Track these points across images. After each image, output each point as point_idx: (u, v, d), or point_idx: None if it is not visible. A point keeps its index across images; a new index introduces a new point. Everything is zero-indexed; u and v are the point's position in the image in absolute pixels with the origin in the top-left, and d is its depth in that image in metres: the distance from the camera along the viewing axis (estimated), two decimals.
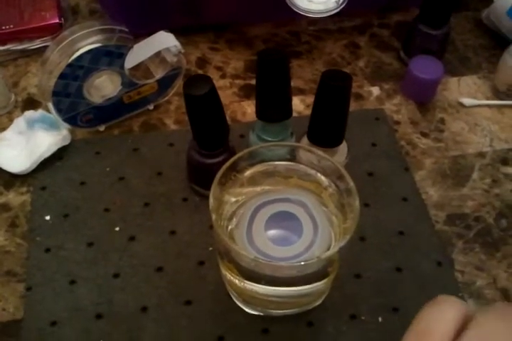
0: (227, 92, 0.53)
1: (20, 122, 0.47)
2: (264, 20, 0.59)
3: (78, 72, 0.44)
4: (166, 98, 0.51)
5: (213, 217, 0.30)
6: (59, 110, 0.45)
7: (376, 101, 0.52)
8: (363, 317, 0.38)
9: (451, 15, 0.52)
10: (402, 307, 0.38)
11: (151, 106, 0.51)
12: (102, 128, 0.49)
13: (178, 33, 0.46)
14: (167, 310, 0.37)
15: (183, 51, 0.46)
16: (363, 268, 0.40)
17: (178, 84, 0.50)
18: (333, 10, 0.47)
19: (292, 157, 0.34)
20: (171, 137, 0.49)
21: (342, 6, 0.47)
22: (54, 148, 0.46)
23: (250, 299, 0.33)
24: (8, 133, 0.47)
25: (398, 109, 0.52)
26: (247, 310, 0.37)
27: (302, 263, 0.29)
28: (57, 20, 0.56)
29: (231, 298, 0.38)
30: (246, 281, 0.32)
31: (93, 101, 0.46)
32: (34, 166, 0.46)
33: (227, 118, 0.40)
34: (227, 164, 0.32)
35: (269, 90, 0.37)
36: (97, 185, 0.45)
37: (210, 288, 0.38)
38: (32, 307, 0.38)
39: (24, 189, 0.45)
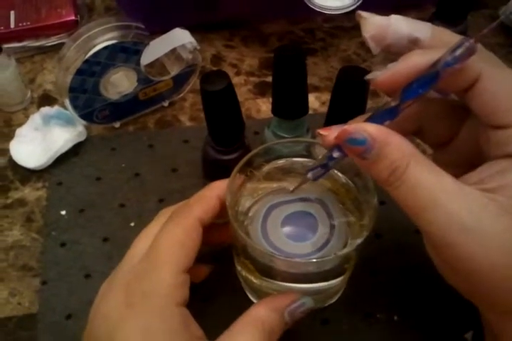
0: (241, 89, 0.53)
1: (36, 118, 0.48)
2: (279, 17, 0.59)
3: (95, 68, 0.44)
4: (181, 95, 0.51)
5: (230, 213, 0.30)
6: (75, 106, 0.46)
7: None
8: (378, 316, 0.37)
9: (469, 13, 0.51)
10: (418, 306, 0.38)
11: (166, 103, 0.51)
12: (117, 124, 0.49)
13: (193, 30, 0.46)
14: None
15: (198, 48, 0.46)
16: (379, 265, 0.40)
17: (193, 81, 0.50)
18: (350, 7, 0.47)
19: (308, 153, 0.34)
20: (185, 134, 0.49)
21: (359, 3, 0.47)
22: (70, 144, 0.46)
23: (266, 296, 0.33)
24: (24, 129, 0.48)
25: None
26: None
27: (319, 259, 0.29)
28: (73, 17, 0.56)
29: (246, 294, 0.37)
30: (262, 277, 0.32)
31: (109, 97, 0.47)
32: (50, 162, 0.46)
33: (242, 115, 0.40)
34: (244, 160, 0.32)
35: (285, 86, 0.37)
36: (113, 180, 0.45)
37: (224, 283, 0.38)
38: (47, 301, 0.39)
39: (40, 184, 0.46)
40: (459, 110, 0.29)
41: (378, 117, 0.27)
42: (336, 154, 0.28)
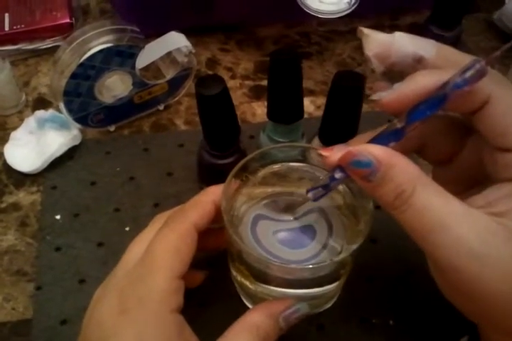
0: (237, 93, 0.53)
1: (30, 122, 0.47)
2: (274, 21, 0.59)
3: (89, 71, 0.44)
4: (177, 98, 0.51)
5: (225, 218, 0.30)
6: (70, 110, 0.45)
7: None
8: (374, 321, 0.37)
9: (463, 17, 0.51)
10: (413, 311, 0.38)
11: (161, 107, 0.51)
12: (112, 128, 0.49)
13: (188, 33, 0.46)
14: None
15: (193, 51, 0.46)
16: (375, 271, 0.40)
17: (189, 84, 0.50)
18: (345, 11, 0.47)
19: (304, 158, 0.34)
20: (181, 137, 0.48)
21: (353, 7, 0.47)
22: (64, 148, 0.46)
23: (261, 301, 0.33)
24: (18, 132, 0.47)
25: None
26: None
27: (315, 265, 0.28)
28: (68, 20, 0.56)
29: (241, 299, 0.37)
30: (257, 283, 0.32)
31: (104, 101, 0.46)
32: (44, 166, 0.46)
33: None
34: (239, 165, 0.32)
35: (281, 91, 0.37)
36: (108, 184, 0.45)
37: (220, 288, 0.38)
38: (42, 306, 0.38)
39: (34, 188, 0.45)
40: (462, 127, 0.29)
41: (383, 138, 0.26)
42: (338, 175, 0.27)
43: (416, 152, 0.31)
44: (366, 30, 0.29)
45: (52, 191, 0.45)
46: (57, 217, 0.43)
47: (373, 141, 0.26)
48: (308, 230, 0.32)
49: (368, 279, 0.39)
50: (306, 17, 0.47)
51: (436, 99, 0.24)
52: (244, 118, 0.50)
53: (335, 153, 0.26)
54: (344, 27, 0.58)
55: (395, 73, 0.29)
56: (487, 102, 0.25)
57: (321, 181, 0.29)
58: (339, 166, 0.26)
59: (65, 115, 0.46)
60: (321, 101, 0.52)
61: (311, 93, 0.53)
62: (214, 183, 0.33)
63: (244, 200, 0.33)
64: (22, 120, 0.49)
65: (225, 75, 0.54)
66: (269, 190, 0.34)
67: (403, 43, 0.28)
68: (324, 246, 0.31)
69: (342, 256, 0.29)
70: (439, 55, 0.27)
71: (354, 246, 0.29)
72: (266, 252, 0.30)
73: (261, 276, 0.31)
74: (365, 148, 0.24)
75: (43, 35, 0.56)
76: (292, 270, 0.29)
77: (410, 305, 0.38)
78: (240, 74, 0.55)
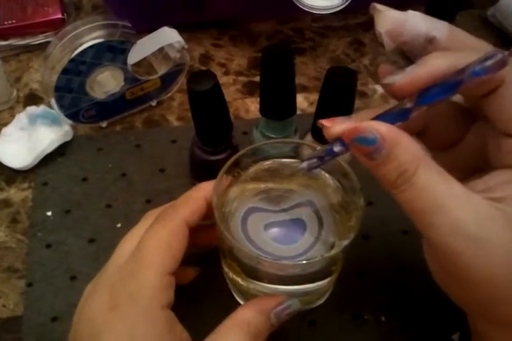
0: (230, 89, 0.53)
1: (22, 118, 0.47)
2: (268, 16, 0.59)
3: (81, 67, 0.43)
4: (169, 94, 0.51)
5: (216, 214, 0.30)
6: (61, 106, 0.45)
7: (380, 99, 0.52)
8: (365, 317, 0.37)
9: (457, 13, 0.51)
10: (405, 307, 0.38)
11: (153, 103, 0.50)
12: (104, 124, 0.49)
13: (181, 29, 0.46)
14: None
15: (186, 47, 0.46)
16: (367, 267, 0.39)
17: (181, 80, 0.50)
18: (338, 6, 0.47)
19: (296, 154, 0.34)
20: (173, 133, 0.48)
21: (347, 3, 0.46)
22: (56, 144, 0.46)
23: (253, 298, 0.32)
24: (9, 128, 0.47)
25: None
26: None
27: (306, 261, 0.28)
28: (59, 16, 0.56)
29: (233, 296, 0.37)
30: (249, 280, 0.32)
31: (96, 97, 0.46)
32: (36, 162, 0.45)
33: (231, 115, 0.40)
34: (231, 161, 0.32)
35: (273, 87, 0.37)
36: (99, 181, 0.45)
37: (212, 285, 0.38)
38: (32, 303, 0.38)
39: (26, 185, 0.45)
40: (467, 114, 0.29)
41: (389, 117, 0.25)
42: (337, 148, 0.26)
43: (417, 135, 0.30)
44: (380, 6, 0.28)
45: (43, 187, 0.45)
46: (49, 213, 0.43)
47: (379, 118, 0.25)
48: (300, 226, 0.31)
49: (360, 275, 0.39)
50: (299, 13, 0.47)
51: (450, 84, 0.24)
52: (238, 115, 0.50)
53: (337, 124, 0.26)
54: (338, 23, 0.58)
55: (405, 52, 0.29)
56: (499, 86, 0.25)
57: (317, 151, 0.28)
58: (339, 139, 0.26)
59: (57, 111, 0.46)
60: (315, 97, 0.51)
61: (305, 89, 0.53)
62: (206, 179, 0.33)
63: (235, 196, 0.33)
64: (13, 116, 0.48)
65: (218, 71, 0.54)
66: (261, 186, 0.34)
67: (417, 22, 0.27)
68: (315, 242, 0.31)
69: (333, 252, 0.29)
70: (451, 36, 0.27)
71: (345, 242, 0.29)
72: (257, 248, 0.30)
73: (252, 272, 0.31)
74: (371, 125, 0.24)
75: (35, 30, 0.55)
76: (283, 266, 0.29)
77: (402, 301, 0.38)
78: (233, 70, 0.55)
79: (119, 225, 0.42)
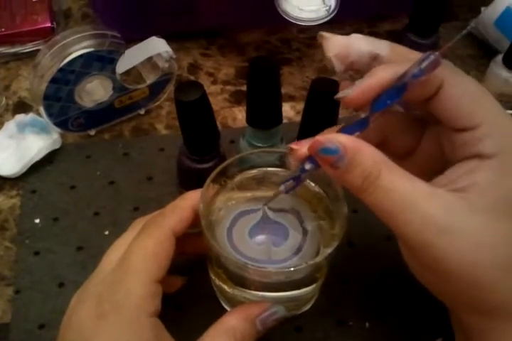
0: (218, 98, 0.53)
1: (10, 126, 0.47)
2: (255, 27, 0.60)
3: (69, 76, 0.44)
4: (157, 103, 0.51)
5: (203, 222, 0.30)
6: (50, 114, 0.46)
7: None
8: (350, 323, 0.38)
9: (440, 25, 0.52)
10: (389, 313, 0.38)
11: (142, 111, 0.51)
12: (92, 132, 0.49)
13: (169, 38, 0.47)
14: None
15: (174, 57, 0.46)
16: (351, 273, 0.40)
17: (170, 89, 0.50)
18: (324, 18, 0.47)
19: (282, 163, 0.35)
20: (161, 142, 0.49)
21: (332, 15, 0.47)
22: (44, 152, 0.46)
23: (239, 305, 0.33)
24: None
25: None
26: None
27: (290, 269, 0.29)
28: (49, 24, 0.56)
29: (220, 303, 0.38)
30: (235, 287, 0.33)
31: (84, 105, 0.47)
32: (24, 170, 0.46)
33: (218, 124, 0.40)
34: (217, 169, 0.32)
35: (259, 97, 0.38)
36: (87, 189, 0.45)
37: (199, 292, 0.38)
38: (20, 310, 0.38)
39: (14, 192, 0.45)
40: (419, 122, 0.31)
41: (349, 129, 0.28)
42: (307, 166, 0.29)
43: (378, 147, 0.32)
44: (326, 34, 0.31)
45: (31, 195, 0.45)
46: (37, 220, 0.43)
47: (341, 130, 0.28)
48: (284, 233, 0.32)
49: (345, 282, 0.40)
50: (286, 24, 0.48)
51: (396, 89, 0.26)
52: (225, 123, 0.51)
53: (303, 146, 0.28)
54: None
55: (354, 72, 0.31)
56: (441, 87, 0.27)
57: (291, 174, 0.30)
58: (309, 157, 0.28)
59: (45, 119, 0.46)
60: (301, 106, 0.52)
61: (291, 98, 0.53)
62: (194, 187, 0.33)
63: (222, 205, 0.34)
64: (2, 124, 0.49)
65: (206, 80, 0.55)
66: (248, 194, 0.35)
67: (360, 43, 0.30)
68: (299, 249, 0.31)
69: (317, 259, 0.29)
70: (393, 52, 0.30)
71: (329, 250, 0.29)
72: (243, 256, 0.31)
73: (238, 280, 0.32)
74: (332, 137, 0.26)
75: (24, 39, 0.55)
76: (268, 273, 0.30)
77: (386, 307, 0.39)
78: (221, 79, 0.55)
79: (106, 233, 0.42)
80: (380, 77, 0.27)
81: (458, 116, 0.27)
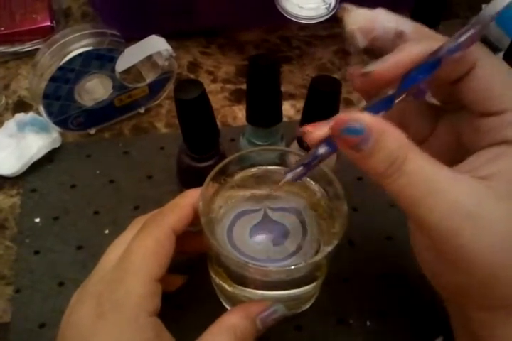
0: (218, 97, 0.53)
1: (10, 125, 0.47)
2: (255, 25, 0.59)
3: (69, 75, 0.44)
4: (157, 101, 0.51)
5: (202, 220, 0.30)
6: (50, 113, 0.45)
7: None
8: (351, 321, 0.38)
9: (441, 23, 0.52)
10: (389, 312, 0.38)
11: (142, 110, 0.51)
12: (92, 131, 0.49)
13: (169, 37, 0.47)
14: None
15: (174, 55, 0.46)
16: (352, 272, 0.40)
17: (170, 87, 0.50)
18: (324, 16, 0.47)
19: (282, 161, 0.34)
20: (161, 140, 0.49)
21: (332, 13, 0.47)
22: (44, 151, 0.46)
23: (240, 303, 0.33)
24: None
25: None
26: None
27: (290, 267, 0.29)
28: (48, 23, 0.56)
29: (221, 302, 0.38)
30: (235, 285, 0.33)
31: (84, 104, 0.47)
32: (24, 169, 0.46)
33: (218, 122, 0.40)
34: (217, 168, 0.32)
35: (259, 96, 0.38)
36: (87, 187, 0.45)
37: (199, 291, 0.38)
38: (20, 309, 0.38)
39: (14, 191, 0.45)
40: (434, 110, 0.30)
41: (374, 107, 0.26)
42: (322, 150, 0.26)
43: None
44: (349, 6, 0.29)
45: (31, 194, 0.45)
46: (37, 220, 0.43)
47: (363, 110, 0.26)
48: (284, 231, 0.32)
49: (345, 280, 0.40)
50: (286, 22, 0.47)
51: (429, 64, 0.25)
52: (225, 122, 0.51)
53: (319, 128, 0.26)
54: (324, 32, 0.59)
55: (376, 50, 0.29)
56: (473, 68, 0.26)
57: (301, 160, 0.28)
58: (325, 140, 0.26)
59: (45, 118, 0.46)
60: (301, 104, 0.52)
61: (292, 97, 0.53)
62: (194, 186, 0.33)
63: (222, 203, 0.34)
64: (2, 123, 0.49)
65: (206, 79, 0.55)
66: (248, 192, 0.35)
67: (386, 18, 0.28)
68: (299, 248, 0.31)
69: (317, 257, 0.29)
70: (417, 30, 0.28)
71: (329, 248, 0.29)
72: (243, 255, 0.31)
73: (238, 278, 0.32)
74: (356, 116, 0.24)
75: (24, 38, 0.55)
76: (268, 272, 0.30)
77: (387, 306, 0.39)
78: (221, 77, 0.55)
79: (106, 232, 0.42)
80: (410, 52, 0.26)
81: (488, 98, 0.26)
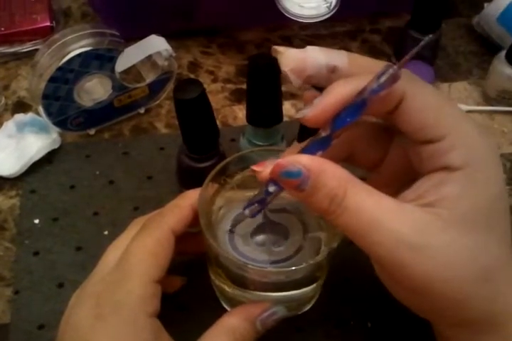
0: (218, 96, 0.53)
1: (10, 125, 0.47)
2: (256, 25, 0.59)
3: (68, 75, 0.43)
4: (157, 102, 0.51)
5: (202, 222, 0.30)
6: (49, 113, 0.45)
7: None
8: (352, 322, 0.38)
9: (443, 22, 0.52)
10: (391, 313, 0.38)
11: (141, 110, 0.51)
12: (92, 131, 0.49)
13: (169, 37, 0.46)
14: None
15: (174, 55, 0.46)
16: (352, 273, 0.40)
17: (170, 88, 0.50)
18: (325, 15, 0.47)
19: None
20: (161, 141, 0.48)
21: (333, 12, 0.47)
22: (44, 152, 0.46)
23: (239, 304, 0.33)
24: None
25: None
26: None
27: (290, 268, 0.29)
28: (48, 24, 0.56)
29: (221, 303, 0.37)
30: (235, 286, 0.32)
31: (83, 104, 0.46)
32: (23, 169, 0.45)
33: (218, 122, 0.40)
34: (217, 168, 0.32)
35: (259, 95, 0.37)
36: (87, 188, 0.45)
37: (199, 292, 0.38)
38: (19, 310, 0.38)
39: (13, 192, 0.45)
40: (386, 132, 0.30)
41: (311, 148, 0.26)
42: (271, 188, 0.27)
43: (346, 160, 0.31)
44: (280, 48, 0.29)
45: (31, 195, 0.45)
46: (36, 221, 0.43)
47: (302, 151, 0.27)
48: (285, 232, 0.32)
49: (346, 281, 0.39)
50: (287, 21, 0.47)
51: (355, 106, 0.25)
52: (226, 122, 0.51)
53: (266, 167, 0.27)
54: (325, 31, 0.59)
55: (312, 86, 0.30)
56: (402, 100, 0.26)
57: (255, 197, 0.29)
58: (272, 180, 0.27)
59: (45, 119, 0.46)
60: (302, 104, 0.52)
61: (292, 96, 0.53)
62: (194, 186, 0.33)
63: (222, 204, 0.33)
64: (1, 123, 0.48)
65: (206, 78, 0.54)
66: (248, 193, 0.34)
67: (316, 56, 0.28)
68: (300, 248, 0.31)
69: (318, 258, 0.29)
70: (352, 63, 0.28)
71: (330, 249, 0.29)
72: (243, 256, 0.31)
73: (238, 279, 0.32)
74: (293, 159, 0.25)
75: (23, 38, 0.55)
76: (268, 273, 0.30)
77: (388, 307, 0.38)
78: (221, 77, 0.55)
79: (106, 232, 0.42)
80: (338, 93, 0.26)
81: (422, 128, 0.26)
